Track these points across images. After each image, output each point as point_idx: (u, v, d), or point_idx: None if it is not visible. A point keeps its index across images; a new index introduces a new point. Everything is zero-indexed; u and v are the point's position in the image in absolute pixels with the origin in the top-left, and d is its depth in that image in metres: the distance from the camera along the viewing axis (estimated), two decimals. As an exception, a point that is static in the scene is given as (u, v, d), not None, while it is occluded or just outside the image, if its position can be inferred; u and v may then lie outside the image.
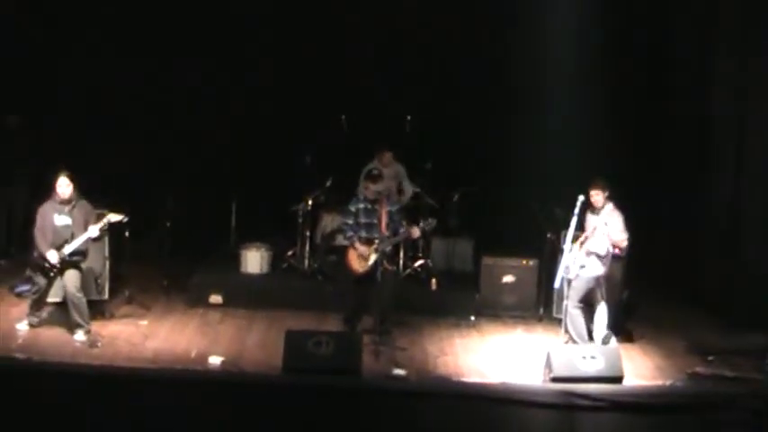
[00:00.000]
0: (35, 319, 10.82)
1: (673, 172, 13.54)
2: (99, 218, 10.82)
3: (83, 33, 14.04)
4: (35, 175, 12.84)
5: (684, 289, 12.79)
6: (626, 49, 13.72)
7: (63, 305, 10.80)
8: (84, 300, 10.72)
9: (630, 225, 10.63)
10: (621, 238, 10.54)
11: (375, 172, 11.29)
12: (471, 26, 14.06)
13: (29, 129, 13.41)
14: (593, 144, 13.02)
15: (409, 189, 12.97)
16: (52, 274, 10.62)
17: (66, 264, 10.62)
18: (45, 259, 10.56)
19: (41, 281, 10.69)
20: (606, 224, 10.47)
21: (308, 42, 14.23)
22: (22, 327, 10.76)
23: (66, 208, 10.67)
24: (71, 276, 10.65)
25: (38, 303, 10.83)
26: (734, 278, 12.03)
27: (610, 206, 10.58)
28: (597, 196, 10.57)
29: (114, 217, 10.84)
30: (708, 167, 12.80)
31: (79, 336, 10.56)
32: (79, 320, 10.59)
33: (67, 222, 10.66)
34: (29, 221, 11.01)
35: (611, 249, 10.59)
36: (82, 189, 10.82)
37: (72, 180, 10.66)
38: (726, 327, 11.67)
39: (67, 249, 10.59)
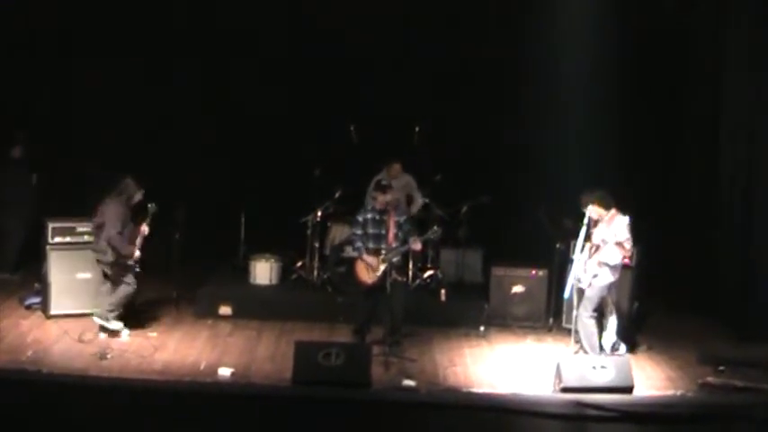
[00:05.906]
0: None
1: (686, 181, 13.49)
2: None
3: (93, 43, 14.10)
4: (43, 189, 12.89)
5: (696, 299, 12.74)
6: (641, 59, 13.68)
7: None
8: None
9: (644, 236, 10.58)
10: (630, 245, 10.51)
11: (384, 182, 11.30)
12: (483, 38, 14.07)
13: (36, 142, 13.44)
14: (603, 155, 13.02)
15: (419, 200, 12.99)
16: (137, 269, 10.95)
17: None
18: (133, 259, 10.93)
19: (132, 280, 10.97)
20: (616, 235, 10.43)
21: (316, 54, 14.25)
22: (125, 338, 10.96)
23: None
24: None
25: (131, 306, 11.21)
26: (746, 288, 11.98)
27: (617, 217, 10.51)
28: (593, 213, 10.47)
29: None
30: (721, 175, 12.74)
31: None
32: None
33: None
34: (38, 234, 10.97)
35: (620, 259, 10.56)
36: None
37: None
38: (737, 337, 11.64)
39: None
